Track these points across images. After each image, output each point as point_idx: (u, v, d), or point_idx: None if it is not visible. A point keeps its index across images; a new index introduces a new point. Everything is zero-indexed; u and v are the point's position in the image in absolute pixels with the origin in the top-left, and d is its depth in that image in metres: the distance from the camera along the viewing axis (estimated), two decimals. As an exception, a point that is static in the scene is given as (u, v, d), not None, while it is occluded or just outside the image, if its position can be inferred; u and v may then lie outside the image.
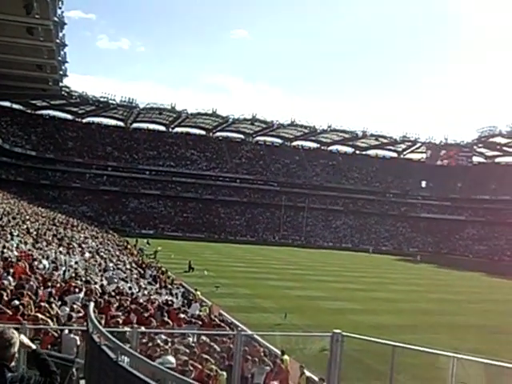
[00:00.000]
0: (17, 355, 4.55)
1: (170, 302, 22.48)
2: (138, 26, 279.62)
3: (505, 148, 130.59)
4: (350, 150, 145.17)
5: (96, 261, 31.96)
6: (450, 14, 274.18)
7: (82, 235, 49.90)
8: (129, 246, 57.63)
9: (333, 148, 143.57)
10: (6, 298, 13.93)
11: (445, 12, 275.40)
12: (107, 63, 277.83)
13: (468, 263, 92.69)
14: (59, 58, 73.63)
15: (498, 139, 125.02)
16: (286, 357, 14.86)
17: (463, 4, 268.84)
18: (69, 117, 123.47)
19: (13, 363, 4.56)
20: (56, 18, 63.23)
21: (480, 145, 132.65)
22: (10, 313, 12.52)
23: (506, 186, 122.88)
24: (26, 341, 4.70)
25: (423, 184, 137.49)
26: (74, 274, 22.65)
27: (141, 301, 19.95)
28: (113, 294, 20.12)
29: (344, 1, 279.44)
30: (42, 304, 14.17)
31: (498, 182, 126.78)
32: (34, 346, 4.79)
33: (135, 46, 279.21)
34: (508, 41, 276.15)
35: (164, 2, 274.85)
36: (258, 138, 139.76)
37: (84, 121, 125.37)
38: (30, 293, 15.38)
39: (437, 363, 8.62)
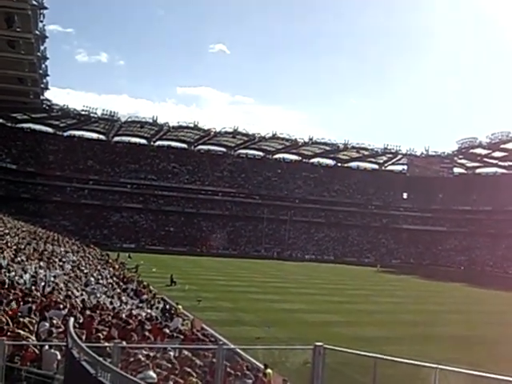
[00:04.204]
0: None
1: (151, 317, 22.34)
2: (116, 40, 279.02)
3: (485, 159, 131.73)
4: (331, 162, 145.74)
5: (77, 275, 31.72)
6: (424, 24, 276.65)
7: (63, 249, 49.50)
8: (110, 260, 57.25)
9: (314, 161, 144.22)
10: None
11: (422, 22, 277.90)
12: (87, 77, 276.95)
13: (450, 274, 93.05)
14: (40, 72, 73.48)
15: (479, 150, 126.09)
16: (269, 370, 14.76)
17: (434, 17, 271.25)
18: (50, 130, 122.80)
19: None
20: (37, 32, 63.16)
21: (460, 156, 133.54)
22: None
23: (486, 196, 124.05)
24: None
25: (405, 196, 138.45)
26: (52, 289, 22.42)
27: (122, 315, 19.79)
28: (94, 308, 19.95)
29: (314, 9, 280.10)
30: (21, 320, 14.00)
31: (478, 192, 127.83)
32: None
33: (114, 59, 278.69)
34: (485, 52, 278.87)
35: (142, 16, 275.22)
36: (240, 151, 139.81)
37: (65, 134, 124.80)
38: (7, 308, 15.21)
39: (419, 374, 8.59)
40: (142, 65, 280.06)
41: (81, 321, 15.66)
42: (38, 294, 20.34)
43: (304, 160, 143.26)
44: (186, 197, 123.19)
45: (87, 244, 74.00)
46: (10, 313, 14.85)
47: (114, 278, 38.65)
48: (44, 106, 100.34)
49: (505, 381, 7.25)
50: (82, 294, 24.24)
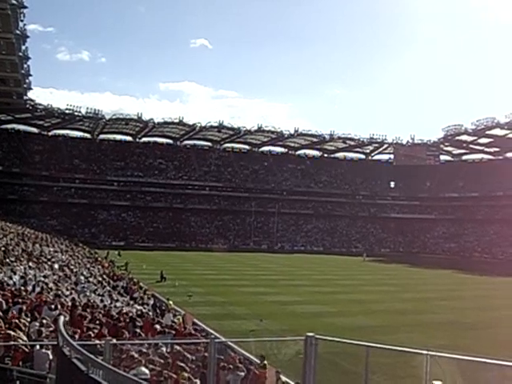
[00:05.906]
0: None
1: (142, 313, 22.32)
2: (97, 38, 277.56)
3: (471, 146, 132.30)
4: (317, 153, 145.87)
5: (66, 274, 31.63)
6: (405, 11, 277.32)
7: (52, 249, 49.34)
8: (99, 258, 57.14)
9: (301, 152, 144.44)
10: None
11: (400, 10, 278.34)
12: (69, 76, 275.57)
13: (439, 261, 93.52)
14: (22, 71, 72.96)
15: (464, 137, 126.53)
16: (265, 362, 14.78)
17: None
18: (34, 130, 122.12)
19: None
20: (18, 31, 62.67)
21: (446, 143, 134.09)
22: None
23: (473, 183, 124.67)
24: None
25: (392, 184, 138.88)
26: (41, 289, 22.35)
27: (113, 313, 19.76)
28: (84, 307, 19.91)
29: (295, 1, 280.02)
30: (13, 320, 13.95)
31: (465, 179, 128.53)
32: None
33: (96, 57, 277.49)
34: (468, 39, 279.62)
35: (122, 12, 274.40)
36: (226, 145, 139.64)
37: (50, 134, 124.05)
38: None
39: (411, 361, 8.63)
40: (123, 62, 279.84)
41: (68, 319, 15.61)
42: (29, 294, 20.29)
43: (290, 152, 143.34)
44: (173, 192, 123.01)
45: (76, 243, 73.85)
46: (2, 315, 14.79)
47: (104, 276, 38.56)
48: (28, 106, 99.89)
49: (495, 364, 7.28)
50: (71, 293, 24.16)
